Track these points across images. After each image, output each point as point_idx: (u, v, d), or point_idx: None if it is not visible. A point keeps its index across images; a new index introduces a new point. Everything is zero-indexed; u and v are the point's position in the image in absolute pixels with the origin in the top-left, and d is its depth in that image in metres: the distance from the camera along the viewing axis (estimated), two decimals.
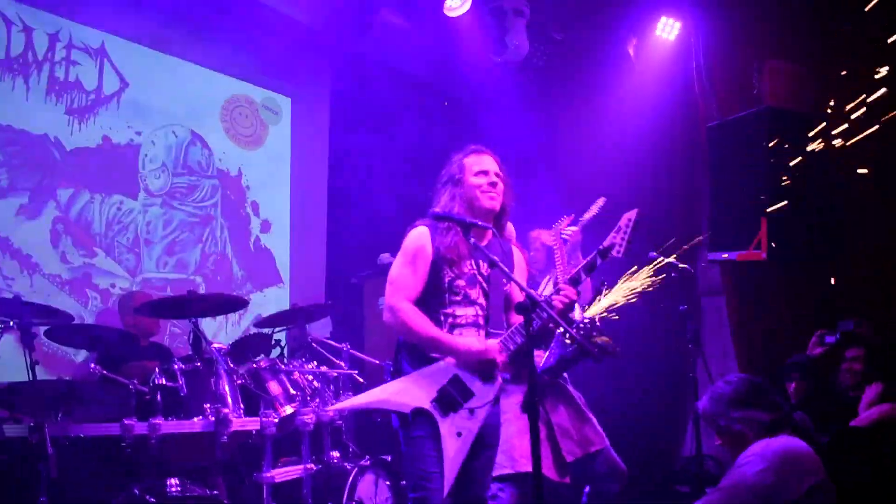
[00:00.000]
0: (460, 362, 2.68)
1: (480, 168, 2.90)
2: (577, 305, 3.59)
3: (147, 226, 5.40)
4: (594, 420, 3.70)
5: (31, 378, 3.24)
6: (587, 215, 4.09)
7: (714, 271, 5.79)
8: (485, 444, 2.75)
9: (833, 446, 3.44)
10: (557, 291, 2.72)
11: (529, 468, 3.37)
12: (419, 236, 2.84)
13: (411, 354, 2.78)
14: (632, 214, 2.87)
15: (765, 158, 4.79)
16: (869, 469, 2.84)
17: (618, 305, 3.90)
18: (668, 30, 6.04)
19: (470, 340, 2.70)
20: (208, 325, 5.62)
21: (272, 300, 6.07)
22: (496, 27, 6.00)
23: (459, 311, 2.78)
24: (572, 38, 6.46)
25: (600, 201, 4.13)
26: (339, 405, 3.06)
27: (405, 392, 2.67)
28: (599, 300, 3.85)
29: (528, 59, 6.38)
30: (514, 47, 6.05)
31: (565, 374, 3.77)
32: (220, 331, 5.66)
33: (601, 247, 2.83)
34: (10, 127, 4.75)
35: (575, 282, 2.76)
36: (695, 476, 4.44)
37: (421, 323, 2.71)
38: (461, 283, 2.78)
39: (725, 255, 4.99)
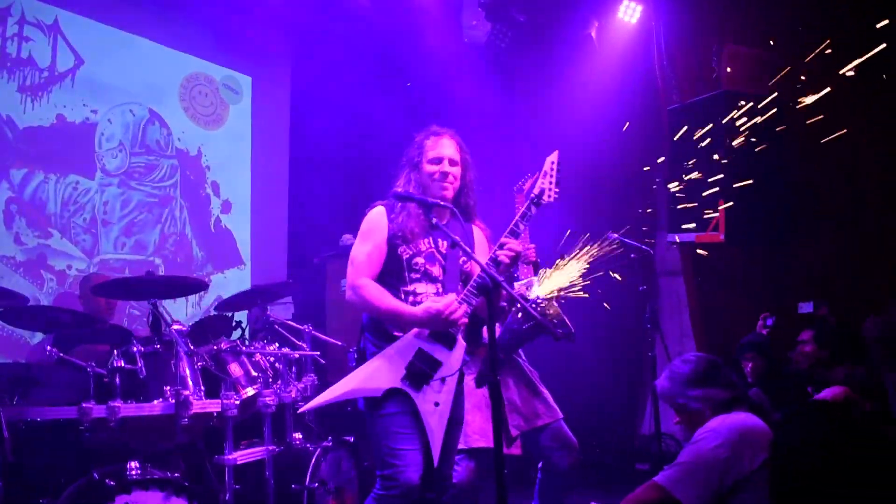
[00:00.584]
0: (425, 329, 2.72)
1: (436, 154, 2.91)
2: (533, 284, 3.63)
3: (104, 206, 5.31)
4: (546, 394, 3.73)
5: None
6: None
7: (673, 253, 5.89)
8: (454, 418, 2.78)
9: (786, 422, 3.52)
10: (501, 246, 2.76)
11: (482, 444, 3.44)
12: (376, 216, 2.90)
13: (374, 334, 2.81)
14: (553, 157, 2.98)
15: (722, 141, 4.87)
16: (818, 446, 2.92)
17: (569, 285, 3.95)
18: (629, 13, 6.09)
19: (427, 304, 2.71)
20: (168, 307, 5.54)
21: (233, 281, 6.02)
22: (457, 8, 5.98)
23: (420, 288, 2.82)
24: (535, 19, 6.46)
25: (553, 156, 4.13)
26: (310, 404, 2.84)
27: (373, 376, 2.69)
28: (547, 278, 3.88)
29: (491, 40, 6.37)
30: (475, 29, 6.04)
31: (521, 351, 3.80)
32: (180, 312, 5.59)
33: (532, 195, 2.91)
34: None
35: (514, 234, 2.82)
36: (654, 454, 4.52)
37: (381, 297, 2.75)
38: (420, 260, 2.83)
39: (684, 237, 5.07)
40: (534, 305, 3.42)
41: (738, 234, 4.87)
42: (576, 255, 3.93)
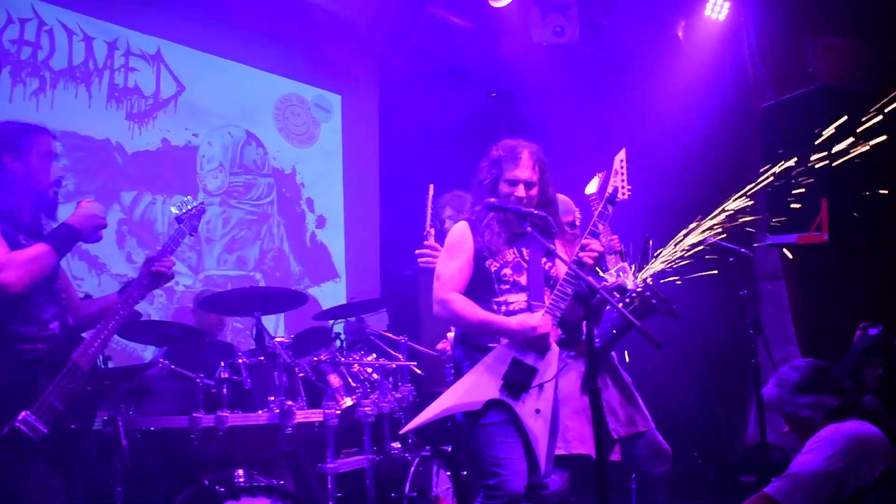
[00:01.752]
0: (516, 341, 2.75)
1: (512, 176, 2.93)
2: (628, 274, 3.60)
3: (207, 224, 5.54)
4: (640, 402, 3.69)
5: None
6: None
7: (773, 255, 5.69)
8: (552, 427, 2.80)
9: None
10: (583, 248, 2.78)
11: (582, 450, 3.41)
12: (461, 231, 2.96)
13: (468, 347, 2.87)
14: (622, 154, 3.05)
15: (821, 137, 4.69)
16: None
17: (668, 267, 3.90)
18: (717, 10, 5.95)
19: (522, 317, 2.76)
20: (267, 319, 5.73)
21: (329, 294, 6.17)
22: (542, 14, 5.98)
23: (511, 298, 2.87)
24: (619, 22, 6.39)
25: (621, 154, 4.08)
26: (413, 423, 2.82)
27: (472, 390, 2.73)
28: (647, 267, 3.85)
29: (576, 46, 6.34)
30: (561, 34, 6.02)
31: (614, 354, 3.74)
32: (278, 325, 5.77)
33: (606, 194, 2.96)
34: (75, 133, 4.92)
35: (594, 234, 2.86)
36: (759, 465, 4.37)
37: (471, 309, 2.81)
38: (507, 271, 2.89)
39: (784, 239, 4.90)
40: (633, 293, 3.39)
41: (842, 234, 4.67)
42: (672, 245, 3.88)
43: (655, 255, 3.95)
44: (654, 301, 3.37)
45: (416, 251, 3.62)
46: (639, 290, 3.40)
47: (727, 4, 5.95)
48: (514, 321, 2.75)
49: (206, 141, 5.63)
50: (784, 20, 5.46)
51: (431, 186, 3.65)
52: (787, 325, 5.62)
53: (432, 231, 3.87)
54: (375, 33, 6.33)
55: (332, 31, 6.11)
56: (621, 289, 3.42)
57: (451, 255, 2.93)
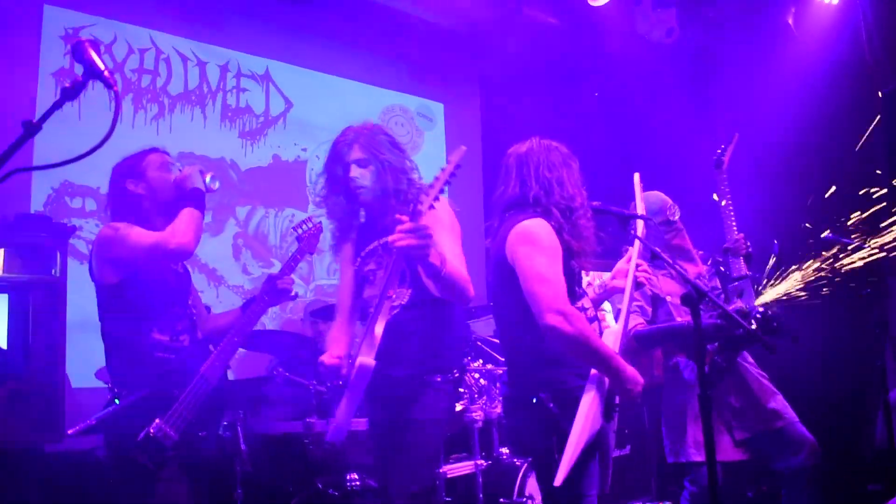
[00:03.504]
0: (620, 388, 2.37)
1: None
2: (751, 294, 3.42)
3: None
4: (778, 396, 3.50)
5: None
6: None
7: None
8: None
9: None
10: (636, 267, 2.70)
11: (699, 458, 3.30)
12: (548, 228, 2.52)
13: (576, 365, 2.44)
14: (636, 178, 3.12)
15: None
16: None
17: (793, 295, 3.69)
18: None
19: (634, 371, 2.37)
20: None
21: None
22: (643, 12, 5.86)
23: (586, 303, 2.60)
24: (727, 14, 6.18)
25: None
26: (563, 470, 2.19)
27: (593, 417, 2.32)
28: (772, 286, 3.66)
29: (681, 40, 6.18)
30: (664, 30, 5.89)
31: (747, 355, 3.58)
32: None
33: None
34: (192, 153, 5.19)
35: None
36: (888, 473, 4.12)
37: (595, 336, 2.41)
38: (583, 273, 2.69)
39: None
40: (756, 315, 3.24)
41: None
42: (798, 266, 3.69)
43: (779, 273, 3.71)
44: (774, 325, 3.22)
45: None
46: (759, 314, 3.24)
47: None
48: (629, 370, 2.35)
49: (314, 155, 5.82)
50: None
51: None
52: None
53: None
54: (474, 39, 6.37)
55: (431, 40, 6.20)
56: (741, 313, 3.23)
57: (553, 256, 2.44)
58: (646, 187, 4.18)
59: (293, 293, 3.11)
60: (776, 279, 3.68)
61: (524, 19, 6.15)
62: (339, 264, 2.99)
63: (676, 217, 3.68)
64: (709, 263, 3.69)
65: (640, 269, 2.65)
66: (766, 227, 4.37)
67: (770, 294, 3.60)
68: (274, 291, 3.00)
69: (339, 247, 2.94)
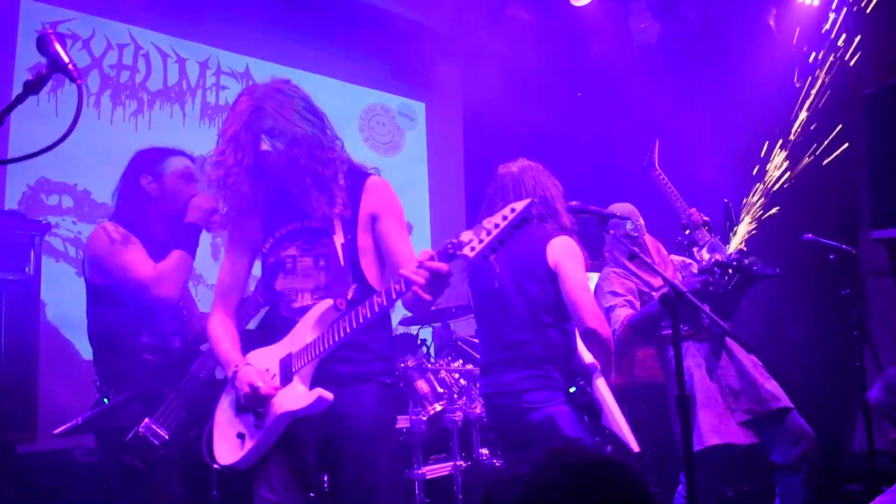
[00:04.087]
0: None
1: None
2: (721, 247, 3.47)
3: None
4: (774, 382, 3.50)
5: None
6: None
7: (880, 251, 5.38)
8: None
9: None
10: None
11: (715, 440, 3.27)
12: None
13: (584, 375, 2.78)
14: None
15: None
16: None
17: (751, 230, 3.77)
18: None
19: None
20: None
21: None
22: (624, 12, 5.87)
23: None
24: (707, 15, 6.20)
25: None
26: (633, 441, 2.64)
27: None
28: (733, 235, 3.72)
29: (662, 40, 6.20)
30: (644, 31, 5.89)
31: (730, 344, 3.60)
32: None
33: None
34: None
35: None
36: (867, 474, 4.14)
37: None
38: None
39: (891, 233, 4.62)
40: (732, 263, 3.29)
41: None
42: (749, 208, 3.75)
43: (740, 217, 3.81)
44: (755, 268, 3.26)
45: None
46: (735, 260, 3.28)
47: None
48: None
49: None
50: (884, 1, 5.17)
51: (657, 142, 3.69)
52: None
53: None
54: (457, 39, 6.35)
55: (413, 39, 6.17)
56: (720, 264, 3.31)
57: (584, 268, 2.82)
58: (622, 187, 4.20)
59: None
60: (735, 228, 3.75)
61: (507, 19, 6.14)
62: (230, 247, 2.50)
63: (635, 234, 3.70)
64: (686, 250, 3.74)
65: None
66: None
67: (736, 241, 3.65)
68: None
69: (237, 227, 2.47)
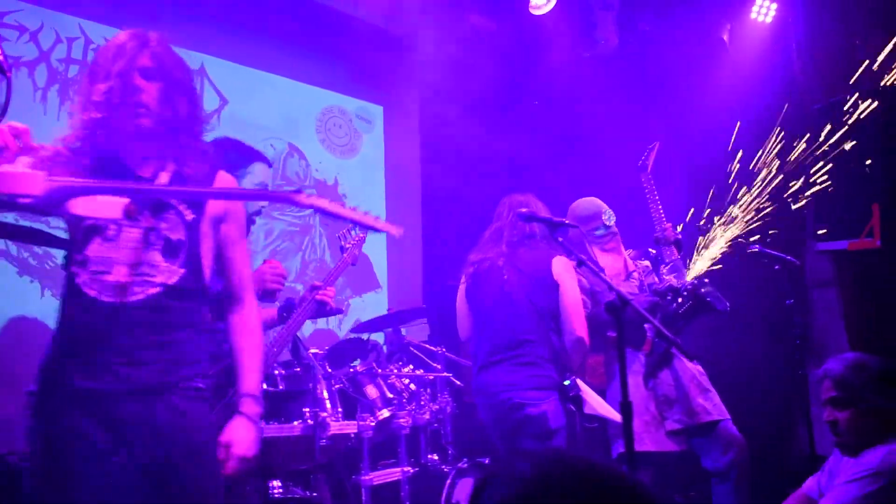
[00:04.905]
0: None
1: None
2: (682, 271, 3.55)
3: (250, 237, 5.59)
4: (712, 393, 3.58)
5: None
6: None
7: (824, 262, 5.51)
8: None
9: None
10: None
11: (643, 447, 3.38)
12: None
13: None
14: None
15: (874, 140, 4.52)
16: None
17: (711, 267, 3.85)
18: (764, 12, 5.81)
19: None
20: (307, 329, 5.77)
21: (371, 305, 6.18)
22: (583, 22, 5.92)
23: None
24: (663, 27, 6.28)
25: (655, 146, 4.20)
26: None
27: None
28: (698, 258, 3.80)
29: (619, 52, 6.26)
30: (603, 41, 5.95)
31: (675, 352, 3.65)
32: (319, 336, 5.80)
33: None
34: None
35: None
36: (808, 476, 4.22)
37: None
38: None
39: (834, 245, 4.74)
40: (685, 290, 3.38)
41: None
42: (716, 232, 3.83)
43: (699, 249, 3.91)
44: (708, 299, 3.34)
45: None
46: (688, 288, 3.35)
47: (774, 6, 5.80)
48: None
49: None
50: (835, 20, 5.29)
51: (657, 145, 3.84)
52: (841, 335, 5.43)
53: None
54: (416, 44, 6.34)
55: (372, 42, 6.13)
56: (673, 289, 3.40)
57: None
58: (581, 193, 4.24)
59: (335, 305, 3.04)
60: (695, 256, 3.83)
61: (467, 26, 6.15)
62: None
63: (612, 222, 3.76)
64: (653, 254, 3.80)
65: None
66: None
67: (699, 267, 3.73)
68: (317, 302, 2.94)
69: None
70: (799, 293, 5.77)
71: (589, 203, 3.88)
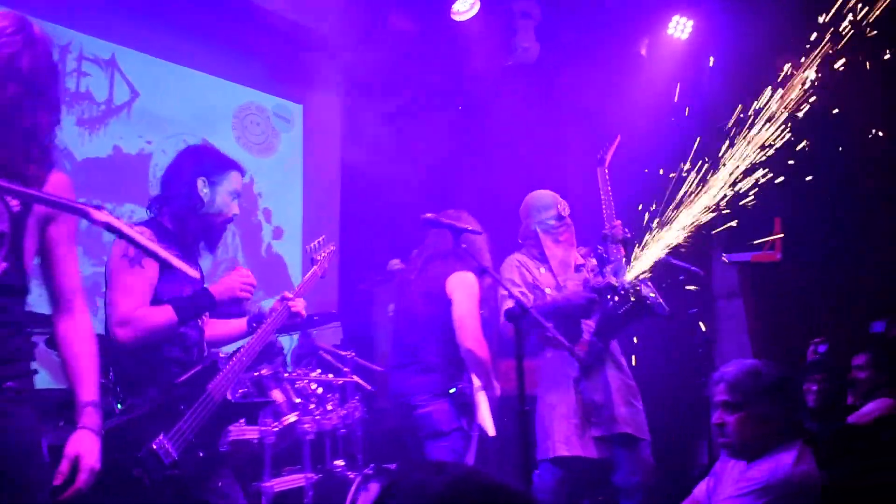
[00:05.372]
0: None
1: None
2: (623, 270, 3.58)
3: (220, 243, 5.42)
4: (639, 409, 3.61)
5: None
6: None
7: (731, 273, 5.69)
8: None
9: (832, 444, 3.31)
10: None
11: (575, 452, 3.46)
12: None
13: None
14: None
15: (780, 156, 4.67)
16: (867, 467, 2.70)
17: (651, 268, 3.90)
18: (680, 28, 5.96)
19: None
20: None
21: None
22: (505, 30, 5.96)
23: None
24: (584, 39, 6.38)
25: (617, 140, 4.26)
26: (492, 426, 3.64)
27: None
28: (635, 260, 3.83)
29: (540, 61, 6.33)
30: (524, 50, 6.01)
31: (623, 363, 3.69)
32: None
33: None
34: None
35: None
36: None
37: None
38: None
39: (739, 257, 4.89)
40: (622, 290, 3.41)
41: (797, 252, 4.66)
42: (652, 237, 3.87)
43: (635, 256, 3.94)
44: (648, 301, 3.37)
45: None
46: (626, 288, 3.37)
47: (690, 23, 5.96)
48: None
49: (160, 149, 5.52)
50: (747, 40, 5.47)
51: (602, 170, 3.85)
52: (745, 343, 5.61)
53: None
54: (338, 44, 6.26)
55: (293, 40, 6.03)
56: (611, 288, 3.42)
57: None
58: (501, 199, 4.26)
59: (305, 316, 2.96)
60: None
61: (390, 27, 6.11)
62: None
63: (566, 213, 3.81)
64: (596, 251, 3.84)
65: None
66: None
67: (639, 267, 3.76)
68: (284, 314, 2.83)
69: None
70: (706, 303, 5.95)
71: (544, 194, 3.90)
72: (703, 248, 5.65)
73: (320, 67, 6.46)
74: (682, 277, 4.03)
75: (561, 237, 3.81)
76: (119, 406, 2.53)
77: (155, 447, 2.38)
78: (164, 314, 2.51)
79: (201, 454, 2.52)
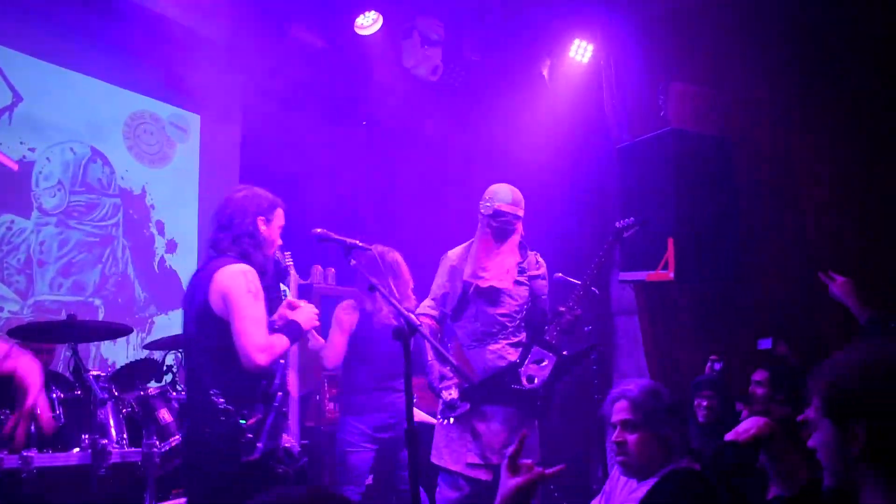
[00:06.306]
0: None
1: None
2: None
3: (41, 246, 5.13)
4: (512, 447, 3.67)
5: None
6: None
7: (629, 292, 5.82)
8: None
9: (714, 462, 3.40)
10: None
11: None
12: None
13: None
14: None
15: (671, 178, 4.82)
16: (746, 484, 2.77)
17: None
18: (581, 52, 6.10)
19: None
20: (108, 349, 5.37)
21: (177, 323, 5.79)
22: (409, 46, 5.96)
23: None
24: (488, 58, 6.45)
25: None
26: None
27: None
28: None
29: (444, 79, 6.35)
30: (430, 67, 6.02)
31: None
32: (120, 355, 5.40)
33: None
34: None
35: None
36: None
37: None
38: None
39: (634, 276, 5.00)
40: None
41: (689, 272, 4.79)
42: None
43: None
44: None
45: None
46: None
47: (591, 47, 6.10)
48: None
49: (44, 156, 5.24)
50: (641, 66, 5.63)
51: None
52: (641, 360, 5.74)
53: None
54: (237, 54, 6.10)
55: (190, 48, 5.83)
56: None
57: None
58: (406, 216, 4.22)
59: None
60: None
61: (293, 38, 6.00)
62: None
63: (511, 211, 4.01)
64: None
65: None
66: None
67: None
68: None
69: None
70: (602, 320, 6.08)
71: (502, 186, 4.12)
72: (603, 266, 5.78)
73: (220, 77, 6.28)
74: (580, 293, 4.08)
75: (492, 230, 3.96)
76: (243, 422, 2.78)
77: (288, 446, 2.96)
78: (285, 340, 2.90)
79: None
